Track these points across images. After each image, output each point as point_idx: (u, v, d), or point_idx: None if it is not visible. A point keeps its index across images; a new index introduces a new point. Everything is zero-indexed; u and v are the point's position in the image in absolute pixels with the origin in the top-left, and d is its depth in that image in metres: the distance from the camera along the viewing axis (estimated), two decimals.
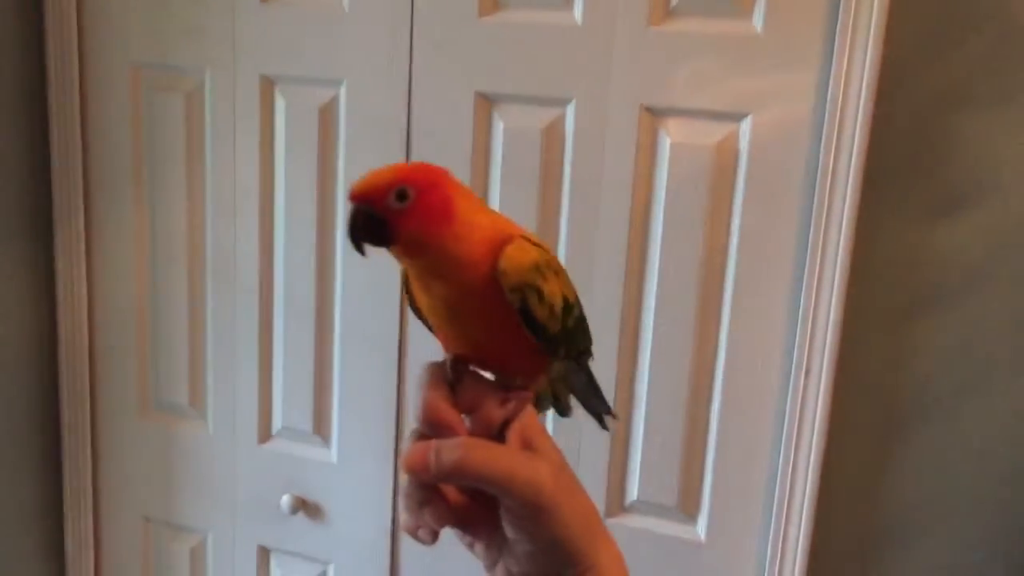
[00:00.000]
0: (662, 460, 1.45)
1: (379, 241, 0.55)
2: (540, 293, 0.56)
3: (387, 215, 0.54)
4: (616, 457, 1.46)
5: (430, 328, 0.61)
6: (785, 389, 1.36)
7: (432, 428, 0.55)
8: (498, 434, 0.56)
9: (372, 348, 1.57)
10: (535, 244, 0.57)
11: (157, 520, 1.82)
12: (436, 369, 0.57)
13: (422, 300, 0.59)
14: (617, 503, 1.48)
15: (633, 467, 1.46)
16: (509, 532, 0.54)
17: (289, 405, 1.66)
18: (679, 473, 1.45)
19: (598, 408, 0.70)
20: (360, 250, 0.56)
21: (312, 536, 1.70)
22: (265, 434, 1.69)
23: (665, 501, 1.46)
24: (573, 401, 0.70)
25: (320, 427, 1.65)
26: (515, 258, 0.55)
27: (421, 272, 0.57)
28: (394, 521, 1.63)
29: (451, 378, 0.57)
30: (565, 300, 0.58)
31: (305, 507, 1.68)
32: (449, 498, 0.56)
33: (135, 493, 1.82)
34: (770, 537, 1.41)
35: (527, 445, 0.55)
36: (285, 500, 1.67)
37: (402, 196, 0.54)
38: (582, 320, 0.62)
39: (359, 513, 1.65)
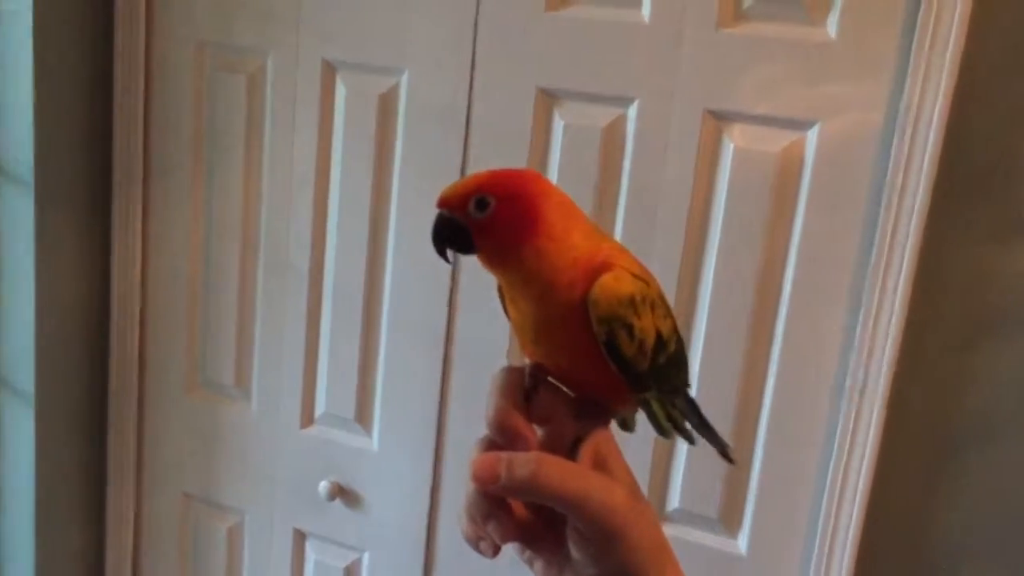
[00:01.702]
0: (706, 470, 1.42)
1: (463, 249, 0.54)
2: (631, 329, 0.53)
3: (469, 224, 0.53)
4: (659, 463, 1.44)
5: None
6: (837, 407, 1.33)
7: (501, 435, 0.53)
8: (570, 450, 0.53)
9: (418, 339, 1.56)
10: (636, 276, 0.54)
11: (197, 497, 1.83)
12: (512, 375, 0.55)
13: (511, 314, 0.57)
14: (658, 510, 1.46)
15: (676, 475, 1.44)
16: (575, 553, 0.51)
17: (333, 391, 1.66)
18: (722, 484, 1.42)
19: (683, 426, 0.66)
20: (443, 256, 0.55)
21: (349, 523, 1.70)
22: (308, 419, 1.70)
23: (707, 512, 1.43)
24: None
25: (362, 415, 1.65)
26: (609, 288, 0.52)
27: (509, 286, 0.55)
28: (431, 513, 1.62)
29: (528, 385, 0.55)
30: (659, 337, 0.55)
31: (343, 494, 1.68)
32: (515, 512, 0.54)
33: (177, 468, 1.84)
34: (813, 557, 1.37)
35: (600, 465, 0.53)
36: (323, 486, 1.67)
37: (482, 205, 0.53)
38: (677, 357, 0.59)
39: (397, 503, 1.65)
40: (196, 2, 1.62)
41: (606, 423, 0.56)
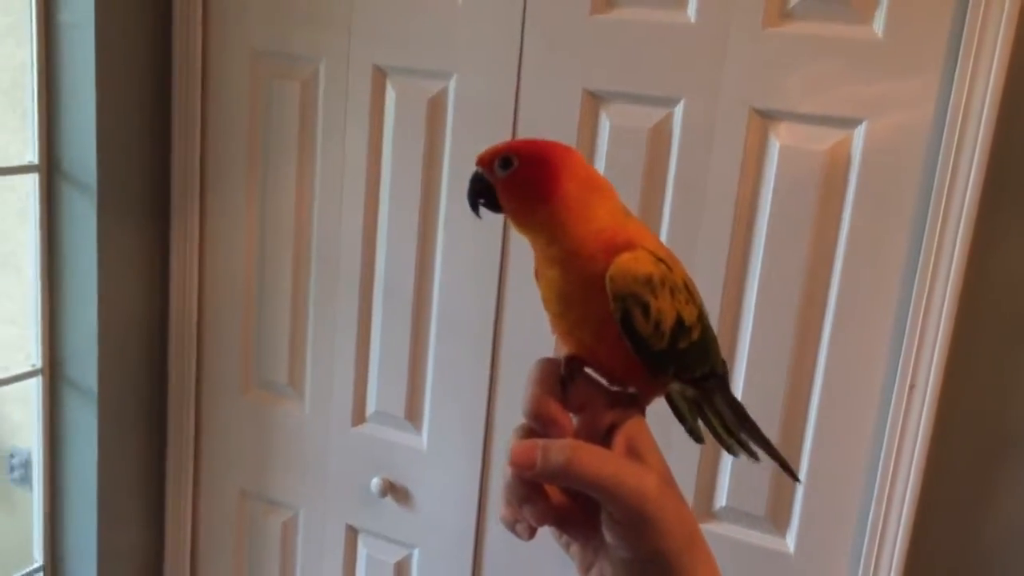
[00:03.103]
0: (753, 467, 1.42)
1: (491, 205, 0.58)
2: (646, 307, 0.55)
3: (494, 181, 0.57)
4: (707, 461, 1.44)
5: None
6: (887, 404, 1.33)
7: (538, 422, 0.55)
8: (605, 438, 0.55)
9: (467, 339, 1.59)
10: (659, 259, 0.56)
11: (252, 494, 1.88)
12: (549, 365, 0.57)
13: (541, 289, 0.59)
14: (705, 508, 1.46)
15: (723, 473, 1.45)
16: (608, 538, 0.53)
17: (383, 390, 1.69)
18: (770, 482, 1.42)
19: (745, 440, 0.66)
20: (474, 210, 0.59)
21: (399, 520, 1.73)
22: (359, 417, 1.73)
23: (754, 510, 1.44)
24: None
25: (412, 413, 1.68)
26: (626, 266, 0.54)
27: (536, 251, 0.58)
28: (480, 510, 1.64)
29: (564, 375, 0.57)
30: (679, 320, 0.57)
31: (394, 491, 1.71)
32: (551, 497, 0.56)
33: (233, 467, 1.88)
34: (863, 556, 1.37)
35: (633, 453, 0.54)
36: (375, 483, 1.70)
37: (505, 164, 0.56)
38: (701, 346, 0.59)
39: (446, 500, 1.67)
40: (251, 12, 1.67)
41: (640, 412, 0.57)
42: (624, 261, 0.54)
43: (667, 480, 0.54)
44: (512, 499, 0.55)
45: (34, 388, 1.77)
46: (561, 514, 0.56)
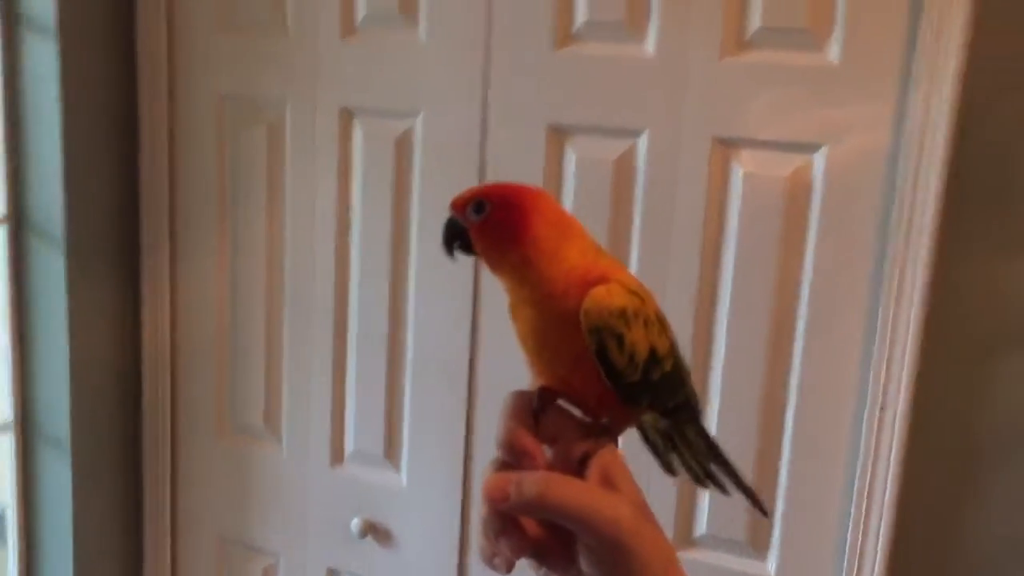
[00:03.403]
0: (732, 497, 1.42)
1: (466, 249, 0.59)
2: (620, 339, 0.55)
3: (467, 225, 0.58)
4: (685, 489, 1.44)
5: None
6: (859, 425, 1.34)
7: (511, 455, 0.55)
8: (578, 468, 0.55)
9: (443, 375, 1.59)
10: (632, 292, 0.57)
11: (232, 540, 1.86)
12: (521, 398, 0.58)
13: (516, 327, 0.60)
14: (685, 537, 1.46)
15: (702, 500, 1.45)
16: (585, 568, 0.53)
17: (361, 429, 1.69)
18: (748, 509, 1.42)
19: (715, 473, 0.67)
20: (449, 253, 0.61)
21: (381, 560, 1.71)
22: (337, 457, 1.72)
23: (734, 536, 1.44)
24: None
25: (391, 452, 1.67)
26: (600, 300, 0.55)
27: (509, 292, 0.59)
28: (462, 547, 1.63)
29: (536, 407, 0.57)
30: (653, 352, 0.58)
31: (375, 531, 1.70)
32: (527, 529, 0.56)
33: (212, 513, 1.86)
34: (843, 575, 1.37)
35: (608, 482, 0.55)
36: (355, 523, 1.69)
37: (478, 208, 0.58)
38: (674, 377, 0.61)
39: (428, 538, 1.66)
40: (216, 57, 1.67)
41: (614, 441, 0.58)
42: (598, 294, 0.55)
43: (642, 508, 0.55)
44: (489, 532, 0.55)
45: (6, 442, 1.75)
46: (538, 546, 0.56)
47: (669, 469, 0.68)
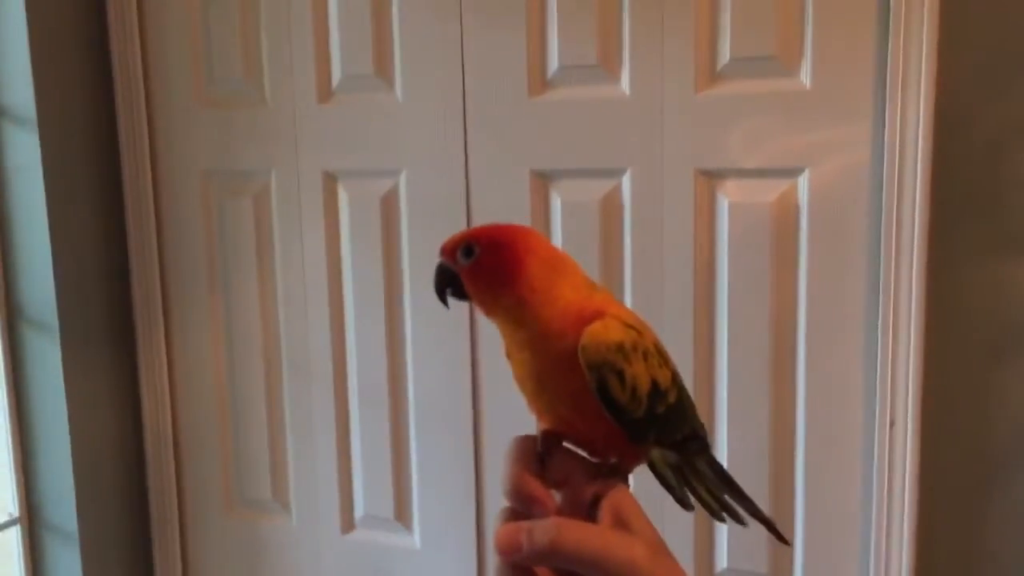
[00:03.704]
0: (750, 527, 1.41)
1: (458, 294, 0.58)
2: (621, 375, 0.54)
3: (458, 270, 0.57)
4: (702, 525, 1.43)
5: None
6: (871, 444, 1.32)
7: (519, 502, 0.54)
8: (589, 511, 0.54)
9: (447, 428, 1.58)
10: (628, 325, 0.56)
11: None
12: (525, 443, 0.57)
13: (514, 370, 0.59)
14: (707, 572, 1.44)
15: (721, 534, 1.43)
16: None
17: (370, 492, 1.67)
18: (769, 539, 1.40)
19: (730, 503, 0.66)
20: (442, 300, 0.59)
21: None
22: (348, 523, 1.70)
23: (757, 568, 1.42)
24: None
25: (401, 513, 1.65)
26: (597, 336, 0.54)
27: (504, 335, 0.57)
28: None
29: (541, 451, 0.56)
30: (655, 385, 0.57)
31: None
32: None
33: None
34: None
35: (621, 523, 0.53)
36: None
37: (468, 252, 0.56)
38: (679, 408, 0.60)
39: None
40: (196, 133, 1.68)
41: (624, 480, 0.57)
42: (594, 331, 0.54)
43: (657, 546, 0.53)
44: None
45: (13, 538, 1.73)
46: None
47: (683, 503, 0.66)
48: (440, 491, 1.61)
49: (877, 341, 1.30)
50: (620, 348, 0.55)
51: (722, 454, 1.40)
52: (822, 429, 1.36)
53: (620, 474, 0.57)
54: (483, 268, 0.56)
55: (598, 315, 0.55)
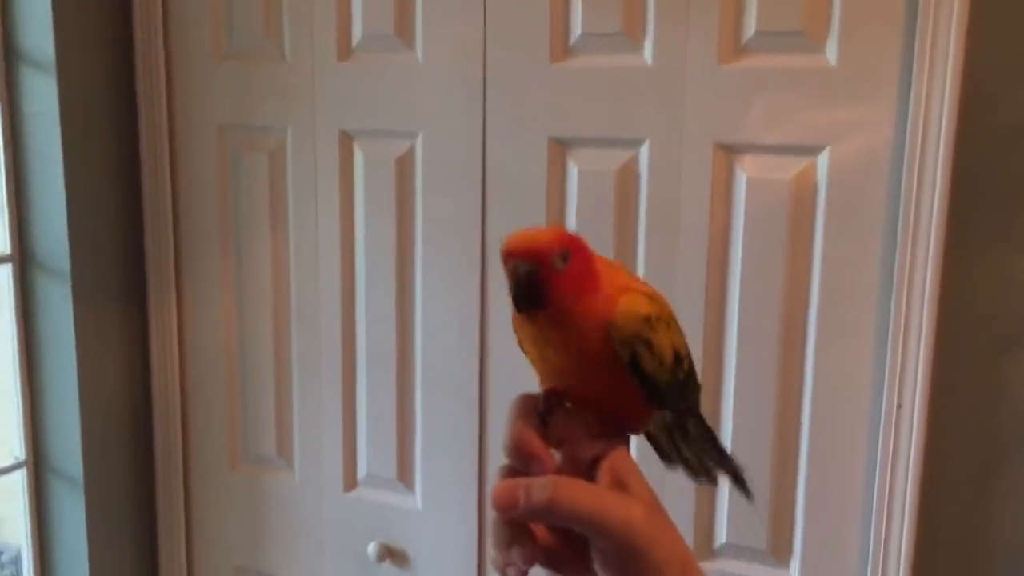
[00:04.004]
0: (753, 505, 1.41)
1: (534, 303, 0.54)
2: (650, 345, 0.55)
3: (549, 276, 0.53)
4: (703, 499, 1.43)
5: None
6: (876, 426, 1.32)
7: (518, 459, 0.54)
8: (588, 471, 0.54)
9: (454, 393, 1.58)
10: (651, 297, 0.57)
11: (248, 570, 1.84)
12: (527, 401, 0.57)
13: (523, 332, 0.58)
14: (706, 546, 1.45)
15: (721, 509, 1.43)
16: (600, 573, 0.52)
17: (373, 452, 1.68)
18: (769, 516, 1.41)
19: (711, 466, 0.67)
20: (524, 308, 0.54)
21: None
22: (351, 482, 1.71)
23: (756, 544, 1.42)
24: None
25: (404, 474, 1.66)
26: (627, 311, 0.55)
27: (544, 340, 0.56)
28: (480, 566, 1.62)
29: (543, 409, 0.56)
30: (676, 353, 0.58)
31: (392, 555, 1.69)
32: (539, 536, 0.55)
33: (227, 544, 1.85)
34: None
35: (619, 484, 0.53)
36: (372, 548, 1.68)
37: (564, 258, 0.54)
38: (691, 373, 0.61)
39: (445, 560, 1.65)
40: (214, 87, 1.68)
41: (623, 442, 0.57)
42: (624, 306, 0.55)
43: (654, 508, 0.53)
44: (500, 543, 0.54)
45: (19, 481, 1.74)
46: (551, 553, 0.55)
47: (669, 461, 0.67)
48: (443, 453, 1.61)
49: (889, 323, 1.29)
50: (648, 319, 0.56)
51: (727, 427, 1.40)
52: (829, 408, 1.35)
53: (623, 437, 0.57)
54: (574, 273, 0.54)
55: (626, 289, 0.56)
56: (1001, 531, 1.31)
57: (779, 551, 1.42)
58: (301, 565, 1.78)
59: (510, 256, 0.53)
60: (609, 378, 0.56)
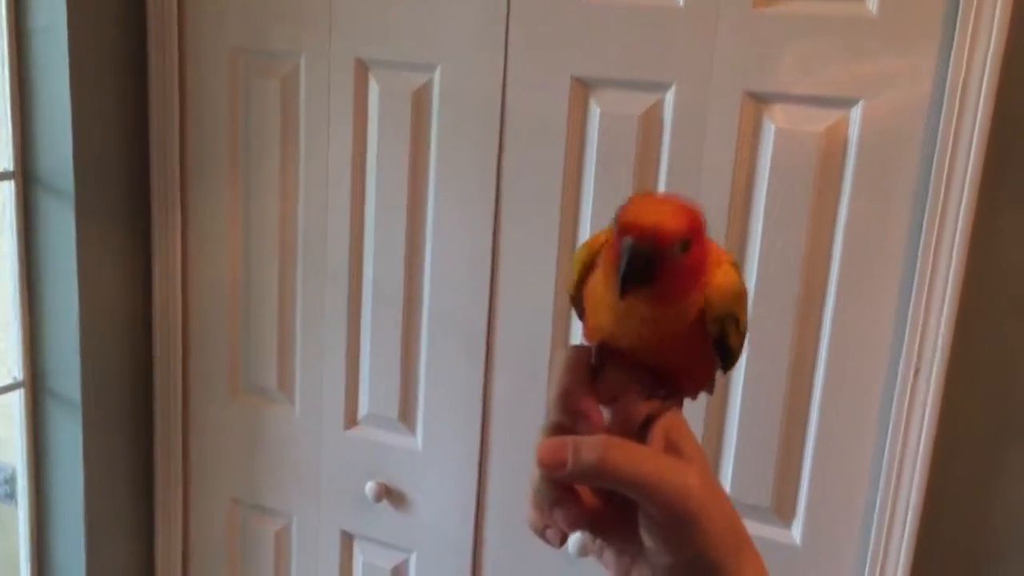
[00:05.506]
0: (757, 459, 1.39)
1: (641, 287, 0.50)
2: (738, 322, 0.53)
3: (665, 263, 0.49)
4: (708, 452, 1.41)
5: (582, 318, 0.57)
6: (891, 389, 1.30)
7: (566, 415, 0.50)
8: (639, 432, 0.51)
9: (460, 336, 1.55)
10: (734, 265, 0.54)
11: (244, 502, 1.84)
12: (578, 353, 0.53)
13: (605, 317, 0.53)
14: None
15: (727, 464, 1.41)
16: (647, 541, 0.48)
17: (375, 392, 1.66)
18: (774, 473, 1.39)
19: None
20: (644, 285, 0.50)
21: (396, 524, 1.69)
22: (351, 420, 1.69)
23: (760, 502, 1.41)
24: None
25: (406, 415, 1.64)
26: (724, 291, 0.52)
27: (616, 304, 0.51)
28: (478, 511, 1.61)
29: (595, 363, 0.52)
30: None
31: (389, 494, 1.67)
32: (583, 499, 0.51)
33: (224, 474, 1.84)
34: (871, 545, 1.34)
35: (672, 447, 0.50)
36: (369, 487, 1.66)
37: (685, 247, 0.50)
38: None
39: (444, 502, 1.64)
40: (228, 9, 1.62)
41: (678, 404, 0.53)
42: (721, 283, 0.52)
43: (710, 476, 0.50)
44: (541, 503, 0.50)
45: (16, 401, 1.73)
46: (595, 518, 0.51)
47: None
48: (446, 396, 1.59)
49: (912, 285, 1.26)
50: (740, 297, 0.53)
51: (738, 380, 1.37)
52: (844, 369, 1.33)
53: (678, 396, 0.53)
54: (690, 263, 0.51)
55: (717, 263, 0.53)
56: (1012, 501, 1.29)
57: (783, 510, 1.40)
58: (297, 500, 1.77)
59: (630, 231, 0.49)
60: (686, 346, 0.52)
